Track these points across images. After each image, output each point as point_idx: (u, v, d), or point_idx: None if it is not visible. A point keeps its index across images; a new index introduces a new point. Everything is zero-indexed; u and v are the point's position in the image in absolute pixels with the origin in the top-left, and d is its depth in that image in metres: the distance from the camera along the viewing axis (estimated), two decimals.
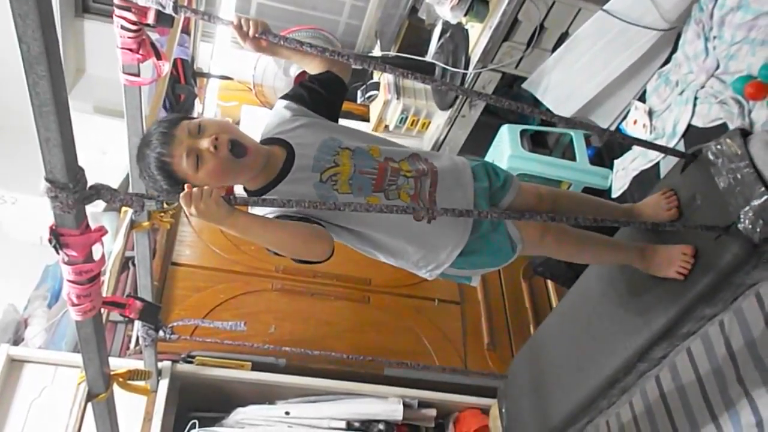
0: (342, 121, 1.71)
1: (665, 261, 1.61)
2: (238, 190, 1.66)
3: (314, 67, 1.63)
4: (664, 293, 1.62)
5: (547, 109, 3.09)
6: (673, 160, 2.64)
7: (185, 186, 1.20)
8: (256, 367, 2.79)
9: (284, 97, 1.64)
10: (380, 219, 1.51)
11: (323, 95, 1.62)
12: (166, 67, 1.55)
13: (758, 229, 1.39)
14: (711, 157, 1.56)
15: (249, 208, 1.47)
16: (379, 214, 1.49)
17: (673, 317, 1.57)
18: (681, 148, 2.59)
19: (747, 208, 1.42)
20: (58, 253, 1.06)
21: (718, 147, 1.54)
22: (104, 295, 2.03)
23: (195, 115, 3.62)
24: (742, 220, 1.43)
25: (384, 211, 1.22)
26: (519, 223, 1.63)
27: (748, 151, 1.48)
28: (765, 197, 1.40)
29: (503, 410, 2.40)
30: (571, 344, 2.04)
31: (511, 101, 1.40)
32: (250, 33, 1.40)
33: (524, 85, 3.13)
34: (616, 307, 1.82)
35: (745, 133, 1.53)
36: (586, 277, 2.06)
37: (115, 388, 1.64)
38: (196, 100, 3.59)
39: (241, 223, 1.31)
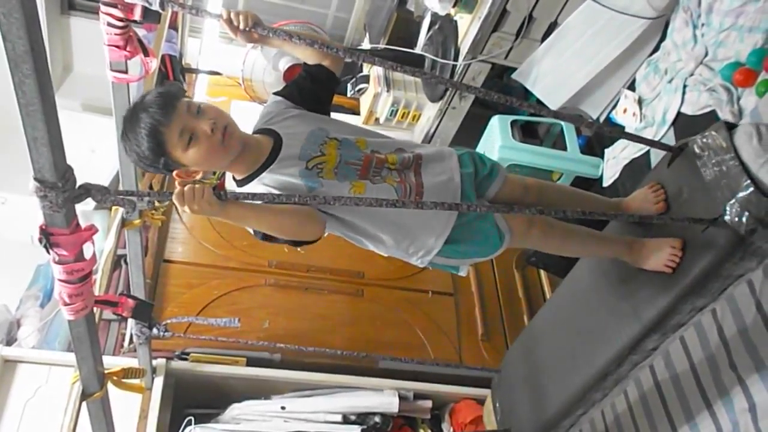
0: (332, 115, 1.72)
1: (654, 254, 1.62)
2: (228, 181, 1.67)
3: (307, 56, 1.64)
4: (654, 285, 1.63)
5: (537, 100, 3.09)
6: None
7: (176, 182, 1.20)
8: (251, 362, 2.79)
9: (277, 93, 1.66)
10: (363, 208, 1.53)
11: (315, 91, 1.64)
12: (154, 64, 1.54)
13: (744, 221, 1.41)
14: (697, 150, 1.57)
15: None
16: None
17: (663, 309, 1.58)
18: (671, 135, 2.60)
19: (733, 200, 1.43)
20: (48, 252, 1.06)
21: (704, 140, 1.56)
22: (96, 293, 2.02)
23: None
24: (728, 212, 1.44)
25: (373, 205, 1.22)
26: (507, 215, 1.63)
27: (733, 143, 1.49)
28: (750, 189, 1.41)
29: (497, 404, 2.41)
30: (564, 337, 2.05)
31: (499, 94, 1.39)
32: (241, 26, 1.40)
33: (514, 76, 3.13)
34: (607, 300, 1.82)
35: (730, 126, 1.54)
36: (578, 269, 2.07)
37: (110, 386, 1.64)
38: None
39: (234, 215, 1.33)
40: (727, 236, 1.44)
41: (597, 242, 1.78)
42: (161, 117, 1.37)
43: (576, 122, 1.46)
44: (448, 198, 1.59)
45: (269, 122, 1.60)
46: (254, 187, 1.52)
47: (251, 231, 1.53)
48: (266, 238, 1.51)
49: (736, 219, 1.42)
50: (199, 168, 1.47)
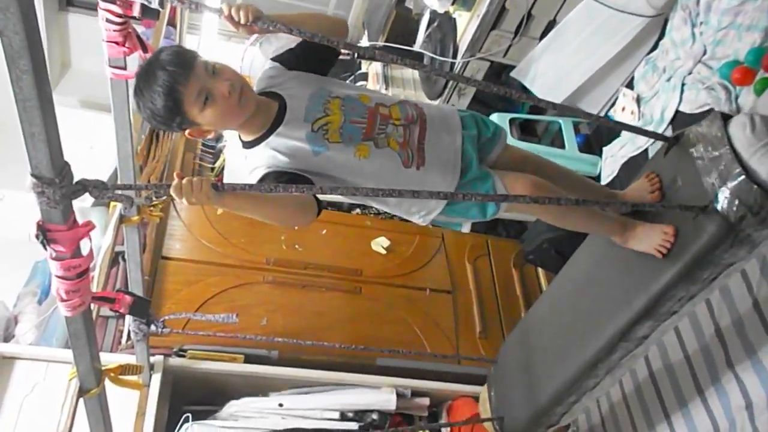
0: None
1: (645, 236, 1.64)
2: (234, 139, 1.69)
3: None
4: (646, 273, 1.64)
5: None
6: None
7: (175, 175, 1.20)
8: (249, 359, 2.79)
9: (274, 59, 1.67)
10: (367, 172, 1.58)
11: (311, 60, 1.65)
12: None
13: (734, 209, 1.42)
14: (692, 139, 1.59)
15: (245, 156, 1.58)
16: (365, 168, 1.56)
17: (653, 296, 1.60)
18: (669, 134, 2.60)
19: (724, 188, 1.45)
20: (45, 248, 1.06)
21: (700, 130, 1.57)
22: (94, 290, 2.02)
23: None
24: (719, 199, 1.45)
25: (374, 183, 1.23)
26: (507, 180, 1.65)
27: (727, 133, 1.50)
28: (741, 177, 1.42)
29: (492, 394, 2.41)
30: (558, 327, 2.07)
31: (499, 86, 1.41)
32: (242, 21, 1.40)
33: (512, 74, 3.13)
34: (601, 289, 1.84)
35: (726, 117, 1.56)
36: (574, 260, 2.09)
37: (108, 383, 1.64)
38: None
39: (230, 205, 1.35)
40: (717, 224, 1.45)
41: (594, 218, 1.78)
42: (180, 76, 1.38)
43: (576, 115, 1.46)
44: (450, 160, 1.63)
45: (270, 85, 1.61)
46: (261, 150, 1.54)
47: None
48: None
49: (727, 206, 1.43)
50: (213, 128, 1.50)
